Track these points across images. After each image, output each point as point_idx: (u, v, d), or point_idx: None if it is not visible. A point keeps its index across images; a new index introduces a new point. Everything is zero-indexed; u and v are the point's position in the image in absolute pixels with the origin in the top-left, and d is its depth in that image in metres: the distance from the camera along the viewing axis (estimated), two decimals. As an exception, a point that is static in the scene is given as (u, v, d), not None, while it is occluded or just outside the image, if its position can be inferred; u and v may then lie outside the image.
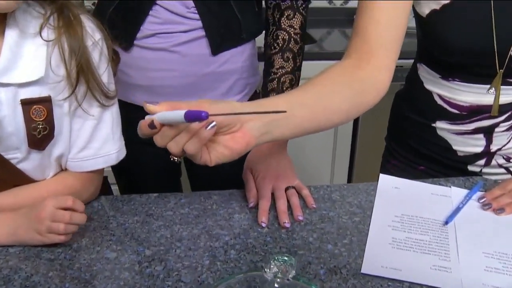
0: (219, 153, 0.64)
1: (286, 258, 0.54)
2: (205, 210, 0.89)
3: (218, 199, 0.92)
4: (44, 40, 0.76)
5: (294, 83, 1.01)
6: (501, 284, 0.71)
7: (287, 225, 0.84)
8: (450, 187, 0.96)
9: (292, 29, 1.00)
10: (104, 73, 0.83)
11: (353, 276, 0.73)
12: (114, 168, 1.17)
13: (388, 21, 0.81)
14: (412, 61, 1.08)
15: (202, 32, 1.01)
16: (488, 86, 0.89)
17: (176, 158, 0.64)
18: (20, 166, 0.82)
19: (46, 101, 0.78)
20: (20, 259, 0.77)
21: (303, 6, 1.01)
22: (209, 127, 0.60)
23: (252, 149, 0.67)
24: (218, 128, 0.62)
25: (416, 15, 0.93)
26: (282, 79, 1.00)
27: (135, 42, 1.02)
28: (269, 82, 1.01)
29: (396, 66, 2.06)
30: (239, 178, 0.96)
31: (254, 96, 1.17)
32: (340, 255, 0.78)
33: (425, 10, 0.88)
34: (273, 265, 0.54)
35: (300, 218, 0.86)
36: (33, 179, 0.85)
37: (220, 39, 1.03)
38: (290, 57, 1.00)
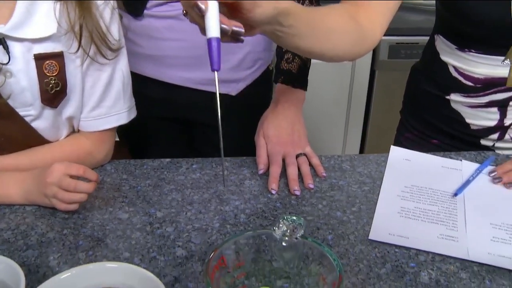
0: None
1: (295, 218, 0.55)
2: (216, 175, 0.90)
3: (230, 166, 0.93)
4: None
5: None
6: (506, 254, 0.72)
7: (297, 192, 0.85)
8: (461, 160, 0.96)
9: None
10: (115, 29, 0.84)
11: (361, 242, 0.74)
12: (121, 134, 1.18)
13: None
14: (427, 38, 1.08)
15: None
16: (503, 57, 0.88)
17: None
18: (34, 125, 0.83)
19: (58, 56, 0.79)
20: (36, 216, 0.79)
21: None
22: None
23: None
24: None
25: None
26: None
27: (146, 11, 1.02)
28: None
29: (412, 43, 2.06)
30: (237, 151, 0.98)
31: (265, 73, 1.17)
32: (348, 222, 0.79)
33: None
34: (282, 224, 0.55)
35: (311, 186, 0.87)
36: (46, 139, 0.87)
37: None
38: None
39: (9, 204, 0.81)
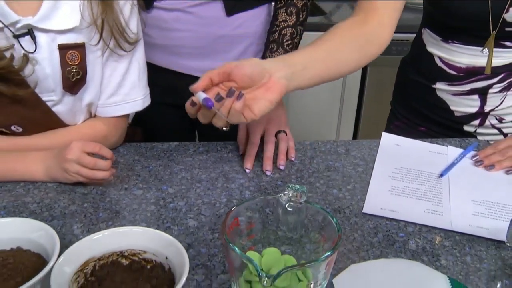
0: (261, 106, 0.74)
1: (298, 186, 0.62)
2: (221, 157, 0.98)
3: (234, 149, 1.01)
4: None
5: (295, 37, 1.08)
6: (484, 225, 0.80)
7: (268, 173, 0.92)
8: (446, 146, 1.04)
9: None
10: (134, 24, 0.92)
11: (355, 215, 0.82)
12: (134, 121, 1.25)
13: None
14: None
15: None
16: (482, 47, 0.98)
17: (225, 128, 0.77)
18: (55, 109, 0.90)
19: (80, 47, 0.86)
20: (57, 192, 0.86)
21: None
22: (240, 100, 0.71)
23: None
24: (252, 83, 0.72)
25: None
26: (283, 31, 1.07)
27: (155, 3, 1.09)
28: (271, 34, 1.08)
29: (402, 40, 2.14)
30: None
31: None
32: (344, 198, 0.87)
33: None
34: (288, 191, 0.62)
35: (282, 167, 0.94)
36: (65, 123, 0.94)
37: (234, 1, 1.10)
38: (294, 11, 1.07)
39: (32, 181, 0.88)
